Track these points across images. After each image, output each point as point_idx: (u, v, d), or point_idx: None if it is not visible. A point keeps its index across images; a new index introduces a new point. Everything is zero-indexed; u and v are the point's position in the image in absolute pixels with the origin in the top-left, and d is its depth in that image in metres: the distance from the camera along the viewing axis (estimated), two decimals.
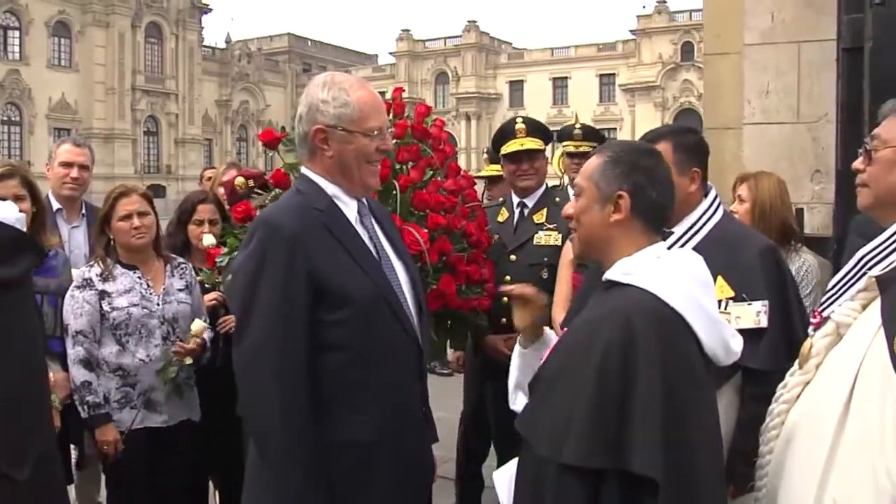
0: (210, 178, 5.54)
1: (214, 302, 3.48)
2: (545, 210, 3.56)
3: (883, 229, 1.72)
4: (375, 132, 2.08)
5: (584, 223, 1.76)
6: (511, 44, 69.71)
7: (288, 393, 1.92)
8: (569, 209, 1.80)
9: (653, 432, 1.50)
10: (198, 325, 3.22)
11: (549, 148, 3.83)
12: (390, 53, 68.76)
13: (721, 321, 1.69)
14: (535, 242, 3.51)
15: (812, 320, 1.76)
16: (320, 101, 2.05)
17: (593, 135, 4.57)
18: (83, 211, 3.99)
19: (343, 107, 2.04)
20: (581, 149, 4.41)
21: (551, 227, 3.49)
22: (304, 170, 2.15)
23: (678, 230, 2.43)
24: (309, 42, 73.67)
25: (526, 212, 3.61)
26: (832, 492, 1.48)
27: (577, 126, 4.50)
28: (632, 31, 60.05)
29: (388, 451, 2.03)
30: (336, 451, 1.97)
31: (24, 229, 2.31)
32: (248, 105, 63.44)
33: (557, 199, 3.65)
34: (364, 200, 2.17)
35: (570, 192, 4.41)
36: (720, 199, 2.55)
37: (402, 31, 67.55)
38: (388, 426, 2.03)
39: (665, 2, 57.86)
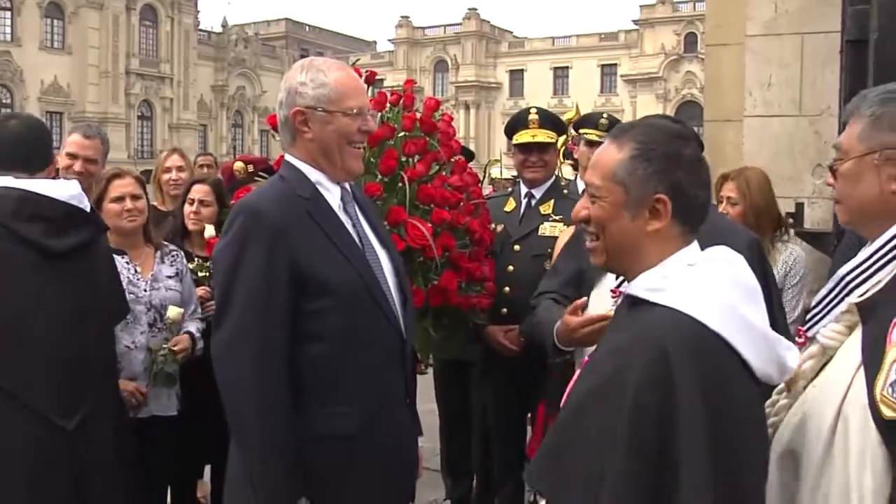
0: (203, 165, 5.49)
1: (201, 299, 3.42)
2: (552, 201, 3.55)
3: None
4: (355, 111, 2.05)
5: (613, 232, 1.46)
6: (512, 32, 69.44)
7: (266, 382, 1.90)
8: (583, 211, 1.51)
9: (703, 487, 1.27)
10: (174, 311, 3.16)
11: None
12: (389, 40, 68.55)
13: (772, 336, 1.41)
14: (539, 233, 3.50)
15: (797, 339, 1.68)
16: (298, 84, 2.05)
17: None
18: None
19: (321, 87, 2.03)
20: (603, 139, 4.36)
21: (557, 218, 3.47)
22: (286, 156, 2.13)
23: None
24: (307, 27, 73.35)
25: (533, 202, 3.60)
26: None
27: (604, 116, 4.45)
28: (634, 21, 59.84)
29: (369, 444, 2.00)
30: (316, 444, 1.95)
31: (85, 206, 2.56)
32: (245, 91, 63.14)
33: (566, 190, 3.65)
34: (347, 187, 2.15)
35: (580, 184, 4.41)
36: None
37: (402, 17, 67.37)
38: (369, 418, 2.00)
39: None
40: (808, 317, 1.68)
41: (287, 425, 1.91)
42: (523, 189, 3.64)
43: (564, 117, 5.09)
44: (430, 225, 2.79)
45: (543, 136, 3.56)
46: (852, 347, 1.47)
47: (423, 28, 67.31)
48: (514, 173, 4.12)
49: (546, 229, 3.48)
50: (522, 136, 3.57)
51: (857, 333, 1.48)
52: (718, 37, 4.78)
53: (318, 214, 2.02)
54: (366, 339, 2.01)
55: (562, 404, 1.54)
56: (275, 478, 1.89)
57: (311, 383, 1.96)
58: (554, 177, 3.69)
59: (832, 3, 4.05)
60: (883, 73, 3.51)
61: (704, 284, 1.38)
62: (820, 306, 1.64)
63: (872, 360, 1.39)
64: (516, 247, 3.50)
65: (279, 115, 2.11)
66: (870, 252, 1.52)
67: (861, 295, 1.49)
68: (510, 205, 3.65)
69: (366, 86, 2.27)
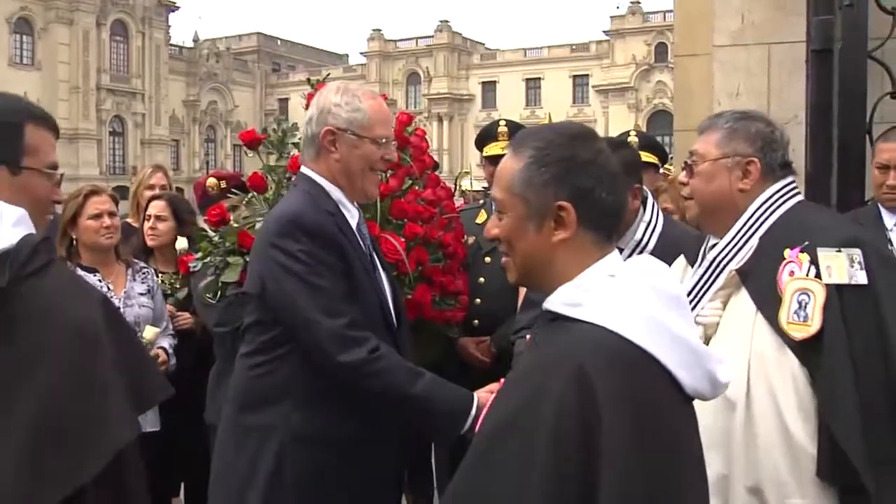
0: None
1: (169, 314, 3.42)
2: None
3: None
4: (383, 140, 2.14)
5: (519, 249, 1.37)
6: (484, 44, 69.83)
7: (381, 355, 2.01)
8: (493, 229, 1.43)
9: None
10: (150, 331, 3.15)
11: None
12: (361, 53, 68.57)
13: (701, 348, 1.33)
14: None
15: None
16: (333, 105, 2.12)
17: None
18: None
19: (355, 111, 2.11)
20: None
21: None
22: (304, 169, 2.18)
23: (627, 247, 2.44)
24: (279, 41, 73.21)
25: None
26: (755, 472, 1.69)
27: None
28: (605, 32, 60.45)
29: (370, 450, 2.09)
30: (322, 446, 2.04)
31: None
32: (217, 105, 62.87)
33: None
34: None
35: None
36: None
37: (373, 30, 67.40)
38: (371, 426, 2.09)
39: (639, 2, 58.27)
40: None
41: (411, 369, 2.04)
42: None
43: None
44: (402, 240, 2.80)
45: None
46: (736, 310, 1.80)
47: (395, 41, 67.46)
48: (486, 185, 4.15)
49: None
50: (492, 149, 3.60)
51: (735, 300, 1.81)
52: (687, 47, 4.84)
53: (344, 229, 2.11)
54: None
55: (476, 430, 1.41)
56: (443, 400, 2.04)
57: (321, 388, 2.03)
58: None
59: (797, 13, 4.11)
60: (847, 81, 3.58)
61: (626, 296, 1.27)
62: (696, 289, 1.88)
63: (767, 303, 1.73)
64: (487, 258, 3.51)
65: (307, 131, 2.17)
66: (732, 234, 1.86)
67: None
68: (482, 217, 3.66)
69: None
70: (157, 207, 3.65)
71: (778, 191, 1.87)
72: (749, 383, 1.71)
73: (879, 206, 3.21)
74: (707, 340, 1.81)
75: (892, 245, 3.04)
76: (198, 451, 3.21)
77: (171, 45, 60.14)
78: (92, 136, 52.07)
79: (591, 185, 1.31)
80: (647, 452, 1.17)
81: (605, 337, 1.23)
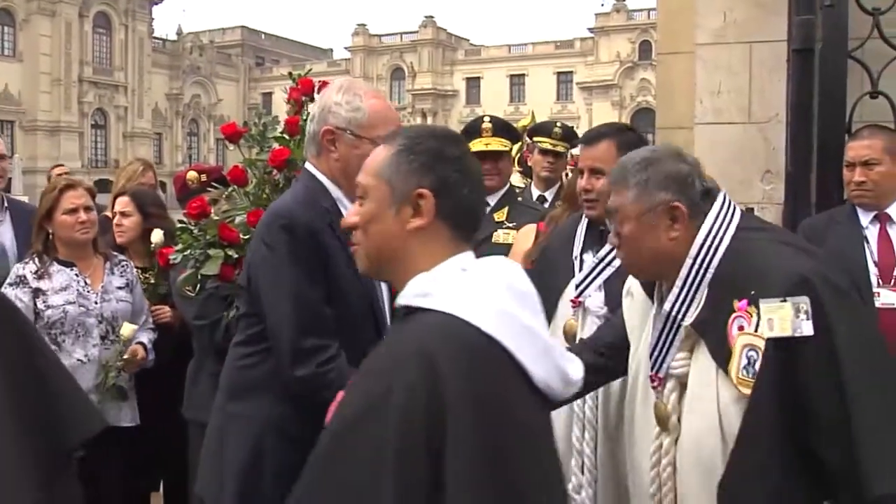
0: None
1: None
2: (506, 209, 3.59)
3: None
4: None
5: (373, 233, 1.38)
6: (468, 40, 69.77)
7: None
8: (352, 217, 1.43)
9: None
10: (128, 328, 3.13)
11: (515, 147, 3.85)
12: (345, 48, 68.37)
13: (552, 345, 1.31)
14: (493, 240, 3.52)
15: (651, 384, 1.84)
16: (333, 104, 2.11)
17: (572, 136, 4.57)
18: (6, 204, 3.78)
19: (355, 111, 2.10)
20: (557, 148, 4.42)
21: (511, 225, 3.52)
22: (308, 166, 2.18)
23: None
24: (262, 35, 72.82)
25: (487, 210, 3.61)
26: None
27: (558, 125, 4.50)
28: (590, 29, 60.59)
29: None
30: (292, 440, 1.99)
31: None
32: (200, 99, 62.48)
33: (519, 197, 3.67)
34: None
35: (534, 191, 4.44)
36: None
37: (358, 25, 67.20)
38: None
39: (623, 0, 58.47)
40: (653, 360, 1.83)
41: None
42: None
43: (519, 124, 5.13)
44: None
45: (497, 144, 3.60)
46: (700, 361, 1.75)
47: (380, 36, 67.31)
48: None
49: (500, 237, 3.51)
50: (476, 145, 3.60)
51: (698, 351, 1.76)
52: (669, 45, 4.85)
53: (338, 227, 2.08)
54: (362, 353, 2.05)
55: (326, 423, 1.39)
56: None
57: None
58: (508, 184, 3.71)
59: (779, 12, 4.14)
60: (828, 81, 3.61)
61: (477, 288, 1.28)
62: (659, 345, 1.82)
63: (723, 359, 1.68)
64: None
65: (308, 129, 2.16)
66: (679, 287, 1.77)
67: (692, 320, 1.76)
68: None
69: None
70: (120, 204, 3.61)
71: (710, 227, 1.76)
72: (723, 433, 1.69)
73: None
74: (681, 391, 1.78)
75: (867, 242, 3.05)
76: (176, 446, 3.20)
77: (155, 37, 59.67)
78: (74, 128, 51.59)
79: (456, 179, 1.36)
80: (494, 442, 1.16)
81: (455, 324, 1.23)
